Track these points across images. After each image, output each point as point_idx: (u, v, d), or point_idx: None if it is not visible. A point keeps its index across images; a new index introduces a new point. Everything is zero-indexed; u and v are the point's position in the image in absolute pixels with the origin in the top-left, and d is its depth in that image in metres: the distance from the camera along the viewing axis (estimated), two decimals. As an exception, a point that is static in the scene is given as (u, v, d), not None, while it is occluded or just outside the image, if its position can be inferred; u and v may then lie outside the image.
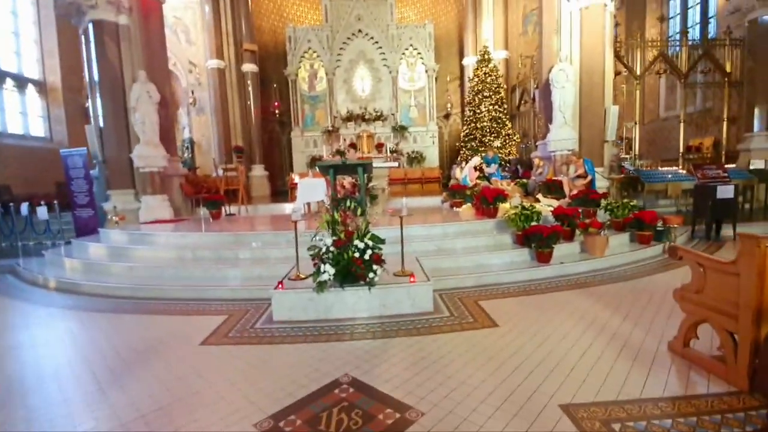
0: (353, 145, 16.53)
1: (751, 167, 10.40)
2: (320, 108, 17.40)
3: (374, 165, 8.58)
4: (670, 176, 10.20)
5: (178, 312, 4.31)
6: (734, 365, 2.42)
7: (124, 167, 8.90)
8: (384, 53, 17.20)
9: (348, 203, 3.87)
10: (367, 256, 3.67)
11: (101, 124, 9.07)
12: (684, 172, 10.34)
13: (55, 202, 9.84)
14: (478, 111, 12.99)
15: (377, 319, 3.73)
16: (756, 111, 10.65)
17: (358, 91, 17.58)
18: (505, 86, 13.83)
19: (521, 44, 14.92)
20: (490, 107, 12.85)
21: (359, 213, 3.93)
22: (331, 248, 3.69)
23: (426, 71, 17.29)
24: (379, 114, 17.18)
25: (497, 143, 12.54)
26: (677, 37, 12.93)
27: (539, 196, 8.54)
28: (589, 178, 7.91)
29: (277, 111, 16.85)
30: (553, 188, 8.49)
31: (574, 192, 7.55)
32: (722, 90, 11.63)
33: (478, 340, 3.23)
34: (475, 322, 3.60)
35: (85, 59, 9.49)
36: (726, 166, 8.75)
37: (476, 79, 13.24)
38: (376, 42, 17.19)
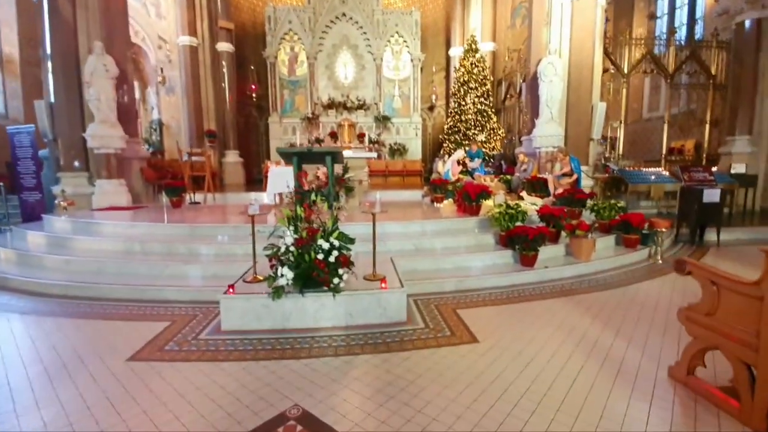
0: (334, 134, 15.90)
1: (732, 171, 10.37)
2: (300, 93, 16.65)
3: (351, 155, 8.08)
4: (653, 178, 10.06)
5: (113, 316, 3.73)
6: (750, 403, 2.07)
7: (77, 147, 8.10)
8: (368, 39, 16.53)
9: (313, 196, 3.37)
10: (332, 259, 3.19)
11: (52, 99, 8.21)
12: (667, 173, 10.22)
13: (0, 184, 8.95)
14: (463, 103, 12.55)
15: (342, 330, 3.27)
16: (739, 115, 10.60)
17: (341, 78, 16.88)
18: (491, 78, 13.42)
19: (509, 37, 14.53)
20: (476, 99, 12.43)
21: (326, 207, 3.43)
22: (291, 248, 3.19)
23: (411, 60, 16.73)
24: (361, 103, 16.57)
25: (482, 137, 12.16)
26: (664, 36, 12.78)
27: (523, 193, 8.22)
28: (575, 176, 7.61)
29: (254, 94, 16.00)
30: (537, 186, 8.18)
31: (560, 191, 7.23)
32: (706, 92, 11.55)
33: (456, 359, 2.81)
34: (452, 337, 3.18)
35: (39, 28, 8.58)
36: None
37: (462, 70, 12.78)
38: (361, 27, 16.50)
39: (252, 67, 16.03)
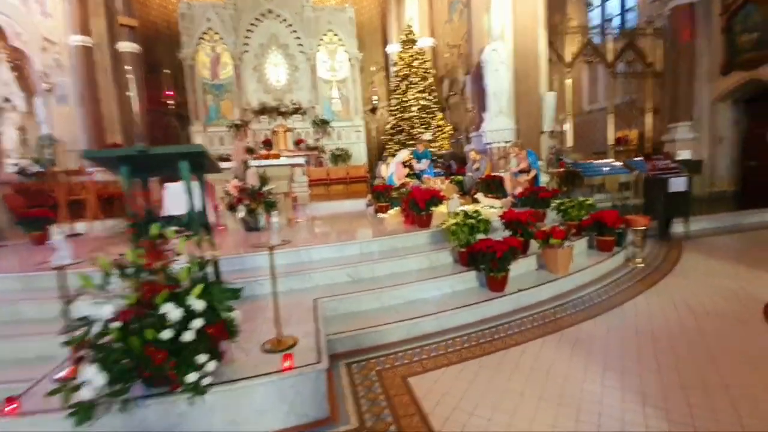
0: (268, 142, 14.32)
1: (678, 158, 10.20)
2: (226, 99, 14.90)
3: (275, 162, 6.67)
4: (606, 169, 9.61)
5: None
6: None
7: None
8: (300, 38, 15.17)
9: (155, 228, 2.01)
10: (188, 336, 1.84)
11: None
12: (619, 164, 9.83)
13: None
14: (405, 99, 11.56)
15: (217, 454, 1.93)
16: (678, 101, 10.49)
17: (272, 81, 15.35)
18: (434, 71, 12.56)
19: (447, 32, 13.86)
20: (418, 95, 11.48)
21: (183, 243, 2.09)
22: (111, 326, 1.81)
23: (349, 60, 15.58)
24: (297, 107, 15.14)
25: (428, 135, 11.21)
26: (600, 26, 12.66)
27: (478, 195, 7.27)
28: (534, 172, 6.78)
29: (171, 102, 14.01)
30: (492, 186, 7.28)
31: (519, 190, 6.34)
32: (645, 81, 11.44)
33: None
34: (402, 445, 1.95)
35: None
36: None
37: (401, 63, 11.79)
38: (290, 25, 15.11)
39: (166, 71, 14.04)
